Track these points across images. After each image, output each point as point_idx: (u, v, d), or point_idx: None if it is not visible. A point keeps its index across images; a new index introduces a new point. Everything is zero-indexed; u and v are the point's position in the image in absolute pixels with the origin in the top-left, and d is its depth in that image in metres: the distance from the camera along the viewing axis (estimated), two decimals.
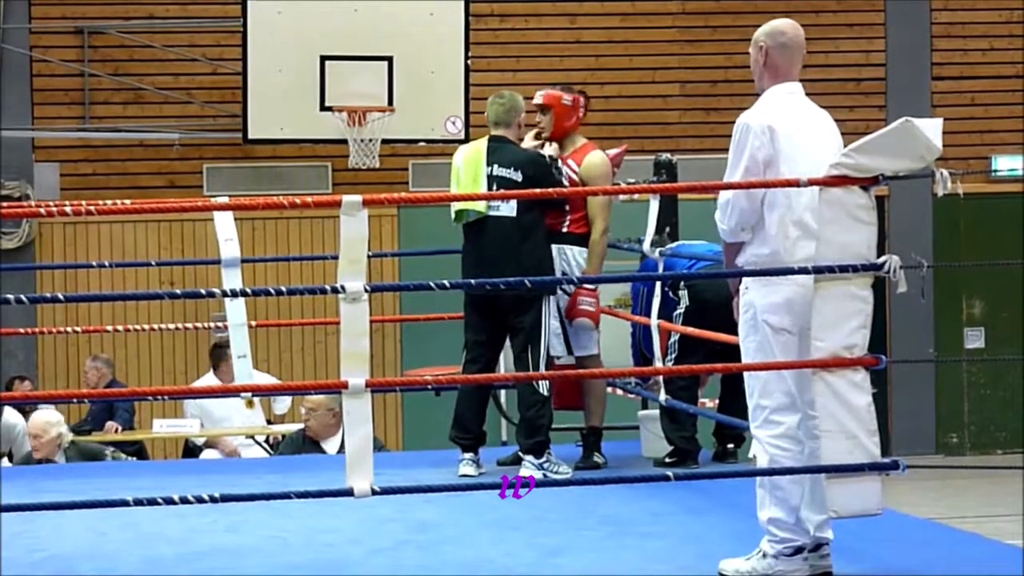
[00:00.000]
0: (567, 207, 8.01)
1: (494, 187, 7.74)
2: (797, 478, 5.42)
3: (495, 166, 7.81)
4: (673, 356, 8.02)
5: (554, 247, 7.99)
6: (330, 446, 9.66)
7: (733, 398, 7.95)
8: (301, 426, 10.62)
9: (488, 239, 7.77)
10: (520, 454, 7.88)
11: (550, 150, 8.07)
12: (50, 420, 9.83)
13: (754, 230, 5.50)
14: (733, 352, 7.67)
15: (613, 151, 8.39)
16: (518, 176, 7.77)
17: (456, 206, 7.84)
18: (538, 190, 7.58)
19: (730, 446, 8.20)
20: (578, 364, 8.09)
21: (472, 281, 7.12)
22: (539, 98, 8.12)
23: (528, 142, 8.08)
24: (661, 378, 8.08)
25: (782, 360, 5.43)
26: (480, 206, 7.75)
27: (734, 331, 7.64)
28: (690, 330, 7.84)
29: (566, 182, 7.92)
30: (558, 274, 7.94)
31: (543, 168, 7.84)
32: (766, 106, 5.53)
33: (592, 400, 8.23)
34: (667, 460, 8.02)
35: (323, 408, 9.61)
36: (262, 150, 14.07)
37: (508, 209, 7.76)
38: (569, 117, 8.13)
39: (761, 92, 5.61)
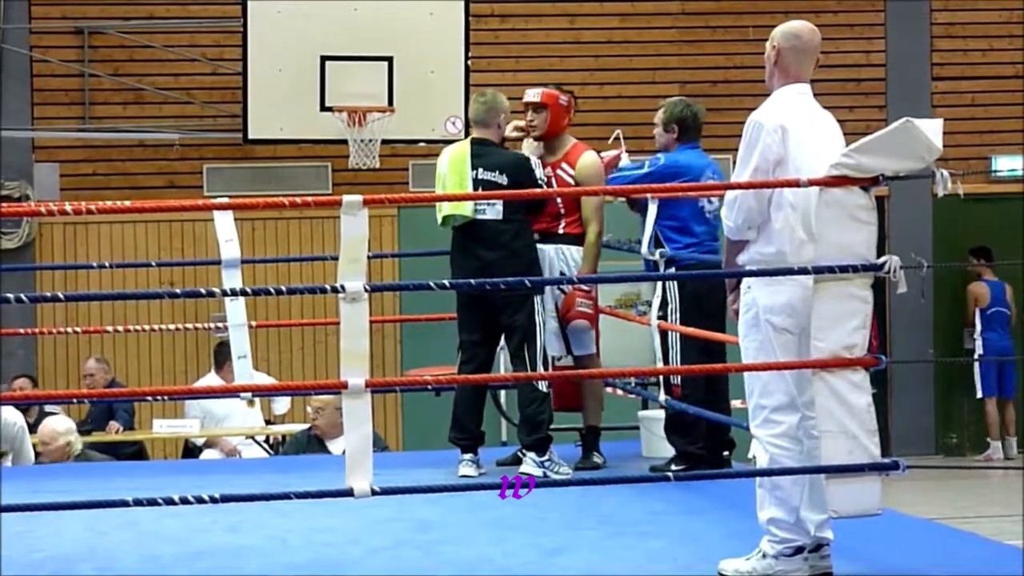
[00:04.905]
0: (562, 209, 8.02)
1: (479, 191, 7.74)
2: (797, 478, 5.42)
3: (479, 169, 7.81)
4: (678, 356, 7.91)
5: (552, 248, 8.01)
6: (336, 446, 9.66)
7: (716, 398, 7.86)
8: (303, 426, 10.65)
9: (476, 242, 7.79)
10: (521, 453, 7.89)
11: (531, 148, 8.06)
12: (58, 428, 9.77)
13: (760, 229, 5.50)
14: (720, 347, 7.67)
15: (612, 152, 8.38)
16: (503, 179, 7.77)
17: (442, 211, 7.85)
18: (530, 191, 7.62)
19: (725, 453, 7.94)
20: (577, 364, 8.09)
21: (472, 281, 7.13)
22: (536, 96, 8.11)
23: (510, 132, 8.08)
24: (661, 379, 8.03)
25: (782, 360, 5.43)
26: (466, 210, 7.75)
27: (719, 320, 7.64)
28: (682, 329, 7.79)
29: (544, 185, 7.91)
30: (556, 275, 7.95)
31: (527, 171, 7.84)
32: (778, 106, 5.52)
33: (591, 400, 8.24)
34: (673, 468, 7.82)
35: (331, 407, 9.62)
36: (262, 150, 14.07)
37: (494, 212, 7.77)
38: (563, 117, 8.13)
39: (771, 90, 5.61)
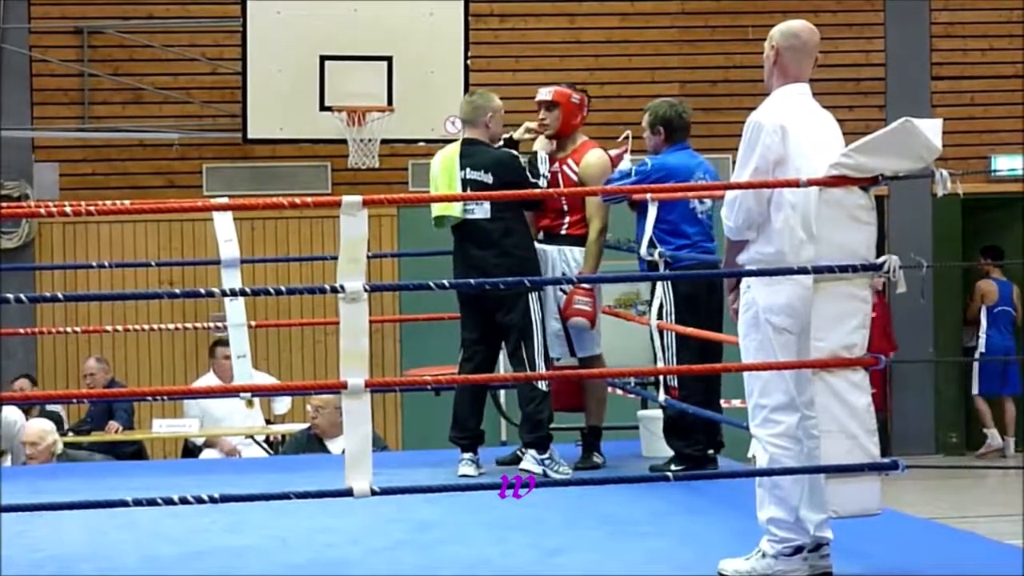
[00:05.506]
0: (566, 206, 8.02)
1: (467, 191, 7.78)
2: (797, 478, 5.42)
3: (467, 169, 7.83)
4: (673, 357, 7.90)
5: (555, 249, 8.01)
6: (336, 445, 9.67)
7: (711, 396, 7.83)
8: (302, 426, 10.64)
9: (469, 242, 7.82)
10: (521, 451, 7.89)
11: (542, 145, 8.06)
12: (46, 428, 9.91)
13: (760, 229, 5.50)
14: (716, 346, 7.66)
15: (614, 151, 8.38)
16: (489, 179, 7.78)
17: (434, 211, 7.86)
18: (518, 191, 7.66)
19: (710, 451, 7.89)
20: (581, 365, 8.07)
21: (471, 281, 7.15)
22: (548, 94, 8.11)
23: (520, 132, 8.09)
24: (659, 380, 8.00)
25: (782, 359, 5.43)
26: (455, 211, 7.78)
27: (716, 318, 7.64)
28: (679, 328, 7.77)
29: (542, 183, 7.90)
30: (559, 275, 7.94)
31: (513, 168, 7.85)
32: (777, 106, 5.52)
33: (592, 401, 8.23)
34: (673, 468, 7.76)
35: (331, 406, 9.62)
36: (261, 150, 14.07)
37: (482, 212, 7.79)
38: (575, 115, 8.13)
39: (769, 90, 5.61)
